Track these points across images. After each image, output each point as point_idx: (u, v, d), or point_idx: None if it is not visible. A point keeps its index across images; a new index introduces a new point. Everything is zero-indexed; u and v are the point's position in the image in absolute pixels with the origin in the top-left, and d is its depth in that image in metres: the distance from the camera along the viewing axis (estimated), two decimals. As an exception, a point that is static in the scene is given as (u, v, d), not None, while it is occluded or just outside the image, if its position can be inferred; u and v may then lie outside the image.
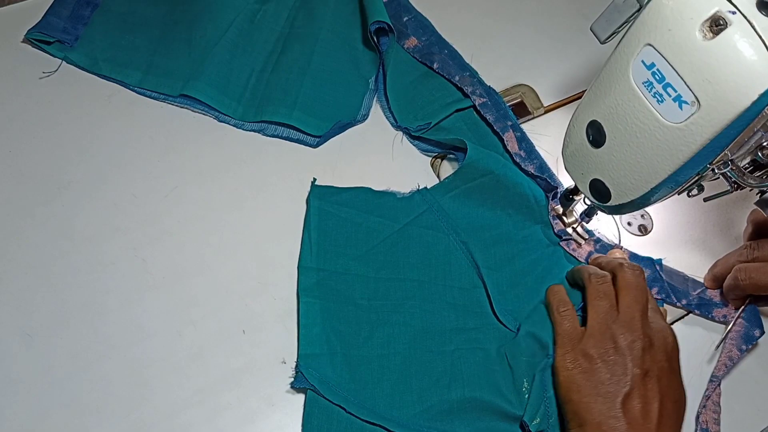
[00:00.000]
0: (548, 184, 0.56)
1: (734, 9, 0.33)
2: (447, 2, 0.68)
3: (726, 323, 0.53)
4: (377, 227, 0.55)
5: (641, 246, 0.57)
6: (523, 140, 0.59)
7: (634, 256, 0.55)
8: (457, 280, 0.54)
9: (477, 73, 0.62)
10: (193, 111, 0.59)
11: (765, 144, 0.39)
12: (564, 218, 0.56)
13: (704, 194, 0.44)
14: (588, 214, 0.55)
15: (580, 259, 0.55)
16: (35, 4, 0.64)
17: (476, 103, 0.60)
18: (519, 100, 0.63)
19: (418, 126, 0.59)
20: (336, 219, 0.55)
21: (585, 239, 0.56)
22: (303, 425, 0.47)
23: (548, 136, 0.61)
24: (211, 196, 0.56)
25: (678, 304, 0.54)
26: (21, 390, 0.47)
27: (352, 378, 0.49)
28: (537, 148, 0.59)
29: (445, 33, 0.66)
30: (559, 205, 0.56)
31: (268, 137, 0.59)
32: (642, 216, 0.58)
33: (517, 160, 0.57)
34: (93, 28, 0.62)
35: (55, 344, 0.49)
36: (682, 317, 0.54)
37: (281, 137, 0.60)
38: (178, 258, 0.53)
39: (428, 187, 0.57)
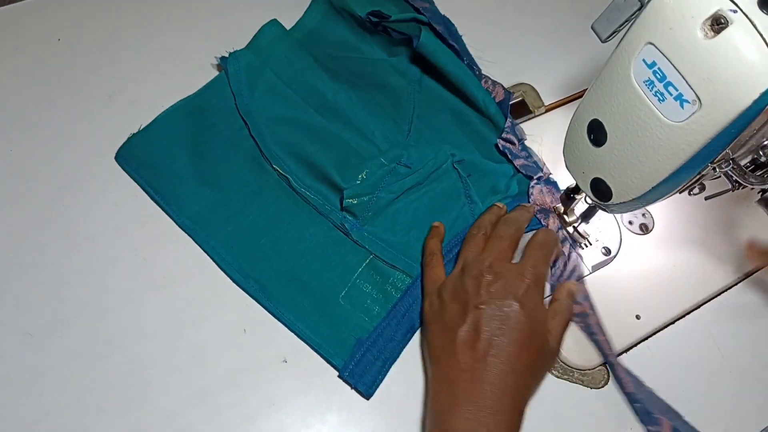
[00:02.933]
0: (503, 89, 0.60)
1: (735, 8, 0.32)
2: (448, 1, 0.68)
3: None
4: (361, 48, 0.63)
5: (642, 245, 0.57)
6: (473, 65, 0.62)
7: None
8: (394, 112, 0.60)
9: (433, 2, 0.65)
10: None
11: (766, 143, 0.39)
12: (565, 217, 0.56)
13: (705, 193, 0.44)
14: (588, 215, 0.55)
15: (512, 156, 0.57)
16: (35, 4, 0.64)
17: (432, 22, 0.62)
18: (520, 98, 0.63)
19: (378, 11, 0.61)
20: (332, 26, 0.64)
21: (587, 238, 0.56)
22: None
23: (548, 136, 0.61)
24: (212, 195, 0.56)
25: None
26: (21, 390, 0.47)
27: (264, 92, 0.58)
28: (538, 149, 0.59)
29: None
30: (560, 204, 0.56)
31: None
32: (643, 215, 0.58)
33: (473, 67, 0.61)
34: None
35: (56, 344, 0.49)
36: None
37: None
38: (179, 258, 0.53)
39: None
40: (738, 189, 0.43)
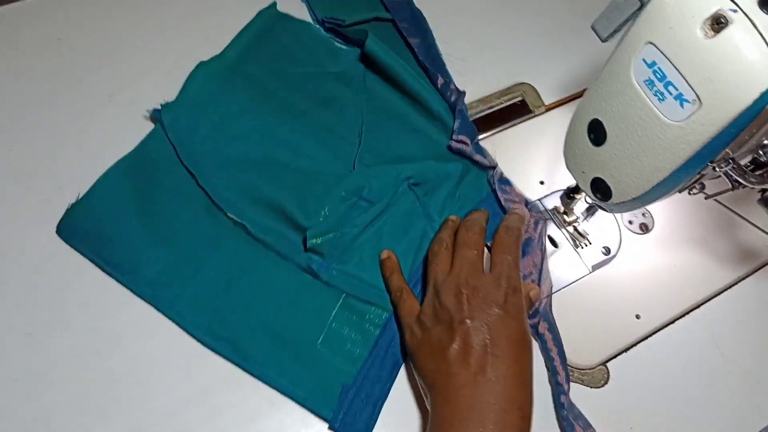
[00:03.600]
0: (458, 93, 0.59)
1: (736, 7, 0.32)
2: (448, 2, 0.68)
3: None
4: (303, 61, 0.61)
5: (642, 244, 0.57)
6: (437, 58, 0.62)
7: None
8: (342, 128, 0.58)
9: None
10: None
11: (766, 142, 0.39)
12: (565, 216, 0.56)
13: (705, 192, 0.44)
14: (588, 213, 0.55)
15: (465, 150, 0.57)
16: (35, 4, 0.64)
17: (395, 18, 0.62)
18: (520, 98, 0.63)
19: (331, 19, 0.62)
20: (273, 38, 0.62)
21: (582, 238, 0.56)
22: (140, 145, 0.56)
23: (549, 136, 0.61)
24: (212, 195, 0.56)
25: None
26: (21, 389, 0.47)
27: (206, 137, 0.56)
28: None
29: (445, 31, 0.66)
30: (560, 203, 0.56)
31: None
32: (643, 214, 0.58)
33: (428, 67, 0.61)
34: None
35: (56, 343, 0.49)
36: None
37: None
38: (179, 257, 0.53)
39: (366, 49, 0.59)
40: (738, 188, 0.43)
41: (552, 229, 0.57)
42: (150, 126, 0.58)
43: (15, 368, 0.48)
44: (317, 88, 0.60)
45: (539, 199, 0.58)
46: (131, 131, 0.58)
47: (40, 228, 0.53)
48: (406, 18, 0.63)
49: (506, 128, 0.62)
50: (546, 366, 0.51)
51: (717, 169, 0.39)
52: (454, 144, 0.57)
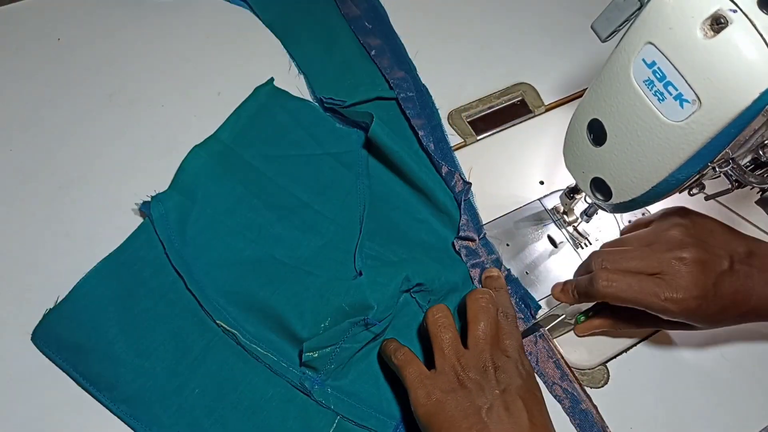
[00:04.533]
0: (464, 184, 0.56)
1: (735, 7, 0.33)
2: (449, 2, 0.68)
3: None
4: (302, 143, 0.58)
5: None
6: (442, 140, 0.59)
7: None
8: (342, 218, 0.55)
9: (415, 68, 0.63)
10: (194, 113, 0.59)
11: (766, 142, 0.39)
12: (565, 216, 0.56)
13: (705, 193, 0.44)
14: (588, 213, 0.55)
15: (468, 255, 0.54)
16: (35, 4, 0.64)
17: (399, 97, 0.60)
18: (520, 98, 0.63)
19: (330, 99, 0.59)
20: (270, 118, 0.58)
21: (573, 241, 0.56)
22: (126, 242, 0.51)
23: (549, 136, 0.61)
24: (212, 195, 0.56)
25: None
26: (21, 389, 0.47)
27: (198, 233, 0.52)
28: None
29: (446, 32, 0.66)
30: (560, 203, 0.56)
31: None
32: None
33: (431, 156, 0.58)
34: None
35: (56, 344, 0.49)
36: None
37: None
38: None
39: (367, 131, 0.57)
40: (738, 188, 0.43)
41: (552, 229, 0.57)
42: (150, 125, 0.58)
43: (15, 368, 0.48)
44: (317, 173, 0.57)
45: (539, 199, 0.58)
46: (131, 131, 0.58)
47: (40, 227, 0.53)
48: (411, 97, 0.60)
49: (506, 128, 0.62)
50: None
51: (717, 169, 0.39)
52: (457, 243, 0.54)
